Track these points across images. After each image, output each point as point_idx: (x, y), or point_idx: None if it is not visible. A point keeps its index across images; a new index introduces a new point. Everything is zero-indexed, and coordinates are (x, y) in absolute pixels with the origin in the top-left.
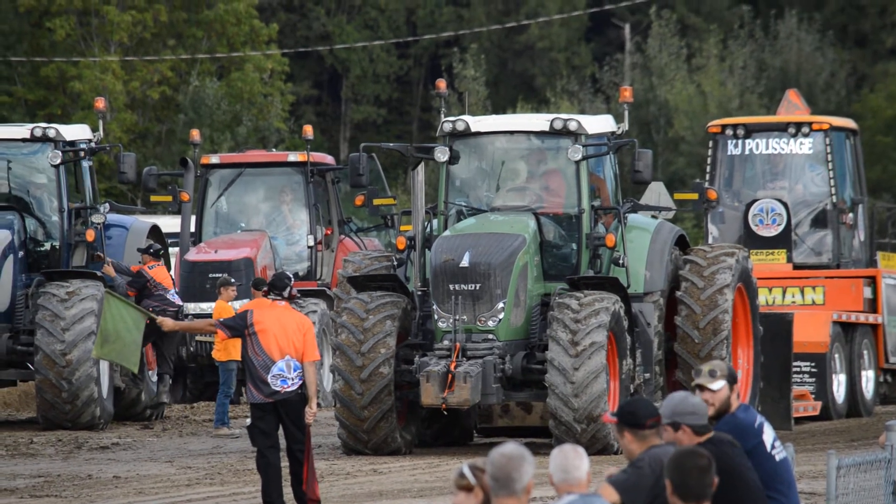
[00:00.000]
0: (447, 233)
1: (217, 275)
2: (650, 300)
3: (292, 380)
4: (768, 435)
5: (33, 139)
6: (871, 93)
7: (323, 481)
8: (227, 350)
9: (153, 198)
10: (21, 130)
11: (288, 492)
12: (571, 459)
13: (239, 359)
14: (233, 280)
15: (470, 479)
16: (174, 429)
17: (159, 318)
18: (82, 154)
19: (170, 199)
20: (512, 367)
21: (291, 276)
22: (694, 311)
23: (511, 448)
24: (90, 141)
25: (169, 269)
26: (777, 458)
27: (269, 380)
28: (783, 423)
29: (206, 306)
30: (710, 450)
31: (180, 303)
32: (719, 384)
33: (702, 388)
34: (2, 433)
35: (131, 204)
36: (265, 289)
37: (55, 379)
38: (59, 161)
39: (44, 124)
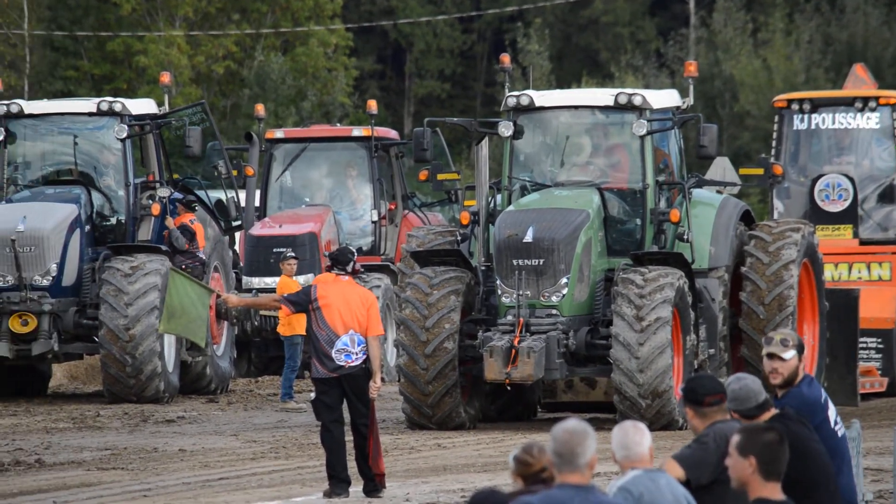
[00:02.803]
0: (511, 208)
1: (281, 249)
2: (715, 276)
3: (356, 354)
4: (832, 410)
5: (99, 113)
6: None
7: (387, 455)
8: (291, 325)
9: (217, 173)
10: (87, 105)
11: (352, 465)
12: (632, 436)
13: (303, 333)
14: (290, 253)
15: (510, 465)
16: (239, 403)
17: (224, 295)
18: (147, 128)
19: (235, 173)
20: (575, 343)
21: (355, 250)
22: (759, 287)
23: (573, 423)
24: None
25: (234, 243)
26: (839, 434)
27: (334, 354)
28: (849, 400)
29: (270, 281)
30: (781, 426)
31: (205, 258)
32: (791, 354)
33: (773, 356)
34: (69, 406)
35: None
36: (329, 263)
37: (118, 353)
38: (125, 135)
39: (110, 98)
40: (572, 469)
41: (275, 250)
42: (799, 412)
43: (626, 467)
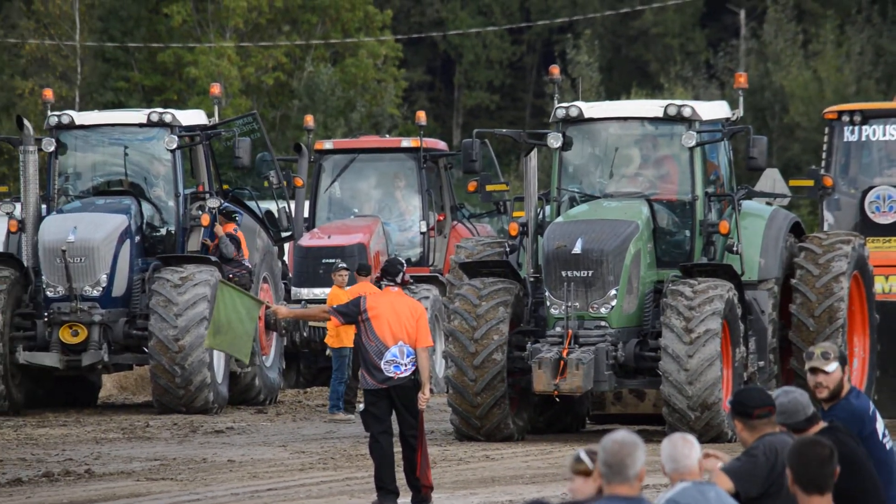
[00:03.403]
0: (560, 219)
1: (331, 260)
2: (764, 288)
3: (405, 366)
4: (880, 423)
5: (150, 124)
6: None
7: (436, 467)
8: (339, 337)
9: (266, 183)
10: (138, 116)
11: (401, 477)
12: (680, 448)
13: (352, 345)
14: (342, 264)
15: (588, 463)
16: (288, 413)
17: (273, 307)
18: (198, 139)
19: (284, 184)
20: (624, 355)
21: (404, 261)
22: (809, 299)
23: (623, 435)
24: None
25: (283, 254)
26: (887, 446)
27: (383, 366)
28: None
29: (319, 292)
30: (830, 439)
31: (251, 266)
32: (833, 366)
33: (815, 370)
34: (119, 416)
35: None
36: (370, 274)
37: (168, 364)
38: (175, 146)
39: (160, 109)
40: (621, 480)
41: (324, 261)
42: (847, 424)
43: (675, 480)
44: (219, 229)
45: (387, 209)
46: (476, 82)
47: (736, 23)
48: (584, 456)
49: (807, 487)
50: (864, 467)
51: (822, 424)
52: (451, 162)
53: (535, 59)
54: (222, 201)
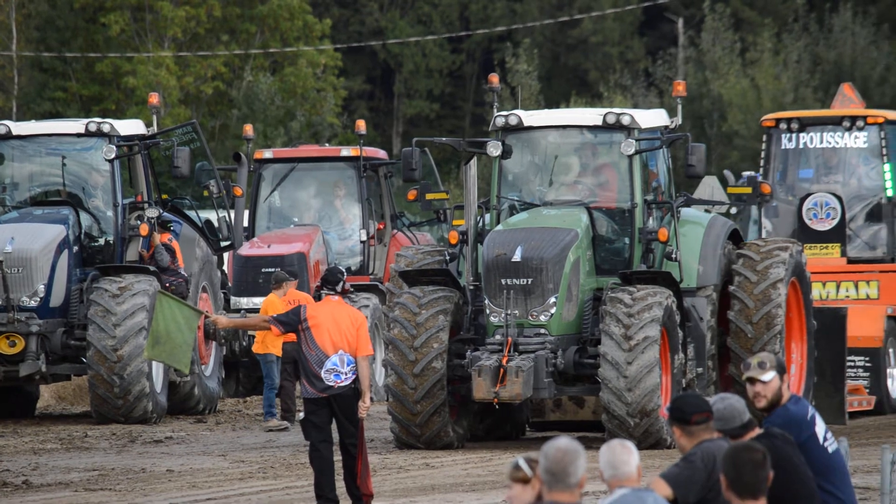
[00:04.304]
0: (499, 227)
1: (270, 270)
2: (703, 295)
3: (346, 374)
4: (820, 427)
5: (88, 134)
6: None
7: (375, 475)
8: (264, 343)
9: (206, 192)
10: (76, 125)
11: (340, 486)
12: (619, 455)
13: (278, 353)
14: (289, 277)
15: (527, 471)
16: (227, 423)
17: (213, 316)
18: (136, 149)
19: (223, 194)
20: (564, 362)
21: (344, 270)
22: (747, 306)
23: (565, 442)
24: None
25: (222, 264)
26: (829, 449)
27: (323, 375)
28: (837, 418)
29: (258, 301)
30: (765, 444)
31: (186, 276)
32: (770, 375)
33: (753, 380)
34: (57, 427)
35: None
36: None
37: (106, 374)
38: (113, 156)
39: (98, 119)
40: (563, 488)
41: (263, 270)
42: (784, 430)
43: (613, 486)
44: (156, 238)
45: (327, 218)
46: (416, 91)
47: (674, 31)
48: (522, 463)
49: (741, 493)
50: (799, 471)
51: (758, 430)
52: (390, 170)
53: (475, 67)
54: (161, 211)
